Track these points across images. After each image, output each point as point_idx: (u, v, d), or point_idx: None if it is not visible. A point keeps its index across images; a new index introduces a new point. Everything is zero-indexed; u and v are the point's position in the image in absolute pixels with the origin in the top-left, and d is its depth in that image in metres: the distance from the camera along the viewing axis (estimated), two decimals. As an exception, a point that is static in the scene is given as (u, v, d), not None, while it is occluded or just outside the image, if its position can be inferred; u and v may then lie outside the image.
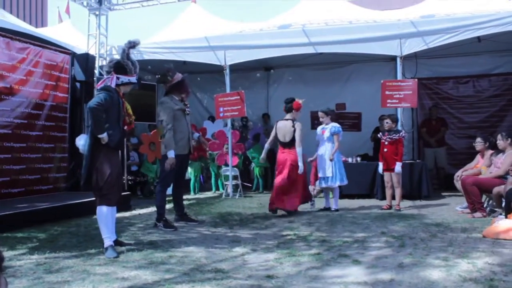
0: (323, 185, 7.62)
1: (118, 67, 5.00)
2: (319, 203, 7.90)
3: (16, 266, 4.25)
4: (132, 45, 5.17)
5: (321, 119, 7.69)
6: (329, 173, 7.47)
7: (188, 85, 6.56)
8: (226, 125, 10.12)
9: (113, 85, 4.93)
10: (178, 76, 6.36)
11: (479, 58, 10.46)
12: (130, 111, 5.20)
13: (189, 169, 10.28)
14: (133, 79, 5.06)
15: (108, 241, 4.75)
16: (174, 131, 6.18)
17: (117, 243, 4.97)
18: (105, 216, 4.82)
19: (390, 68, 10.36)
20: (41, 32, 9.78)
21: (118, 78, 4.96)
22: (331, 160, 7.43)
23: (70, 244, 5.23)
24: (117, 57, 5.60)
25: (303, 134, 7.17)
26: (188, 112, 6.41)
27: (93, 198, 5.06)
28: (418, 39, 8.54)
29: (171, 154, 6.10)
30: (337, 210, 7.43)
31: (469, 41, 8.71)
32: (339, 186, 7.70)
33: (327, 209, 7.55)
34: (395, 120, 7.59)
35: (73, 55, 9.40)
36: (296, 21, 9.65)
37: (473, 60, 10.50)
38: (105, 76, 5.09)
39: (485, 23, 8.15)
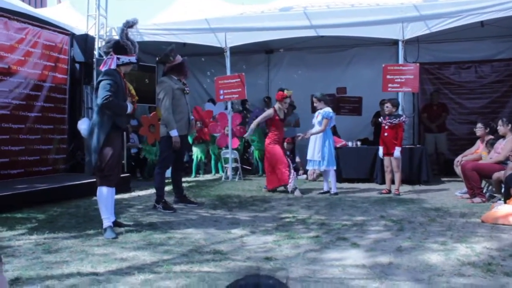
0: (310, 167, 7.74)
1: (118, 47, 4.96)
2: (317, 186, 7.90)
3: (15, 246, 4.26)
4: (131, 24, 5.11)
5: (315, 104, 7.70)
6: (317, 157, 7.45)
7: (187, 68, 6.55)
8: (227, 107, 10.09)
9: (113, 66, 4.88)
10: (179, 58, 6.33)
11: (482, 43, 10.38)
12: (133, 91, 5.17)
13: (194, 150, 10.31)
14: (133, 59, 5.03)
15: (107, 222, 4.76)
16: (173, 111, 6.14)
17: (116, 224, 4.99)
18: (105, 197, 4.82)
19: (392, 52, 10.28)
20: (40, 12, 9.68)
21: (118, 58, 4.92)
22: (304, 136, 7.62)
23: (69, 224, 5.24)
24: (116, 37, 5.55)
25: (265, 118, 7.76)
26: (187, 91, 6.37)
27: (92, 180, 5.06)
28: (420, 23, 8.44)
29: (174, 133, 6.08)
30: (336, 193, 7.41)
31: (472, 26, 8.61)
32: (336, 170, 7.72)
33: (326, 192, 7.53)
34: (395, 104, 7.53)
35: (72, 36, 9.31)
36: (298, 3, 9.57)
37: (475, 45, 10.42)
38: (105, 57, 5.04)
39: (489, 8, 8.06)
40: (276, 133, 7.71)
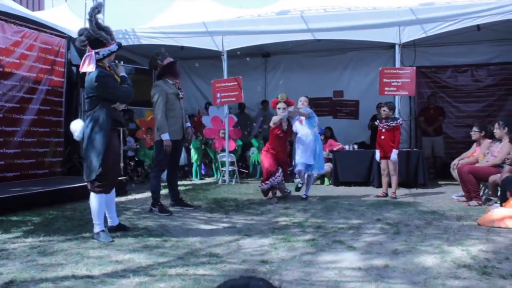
0: (308, 172, 7.33)
1: (92, 41, 4.66)
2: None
3: (10, 249, 4.24)
4: (97, 10, 4.78)
5: (301, 105, 7.30)
6: (311, 160, 7.21)
7: (177, 68, 6.47)
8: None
9: (93, 64, 4.58)
10: (168, 60, 6.34)
11: (478, 46, 10.41)
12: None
13: (192, 154, 10.32)
14: (114, 47, 4.76)
15: (98, 228, 4.65)
16: (167, 116, 6.14)
17: (120, 227, 4.96)
18: (97, 203, 4.68)
19: (389, 56, 10.32)
20: (37, 15, 9.67)
21: (97, 53, 4.64)
22: (290, 111, 7.03)
23: (64, 227, 5.23)
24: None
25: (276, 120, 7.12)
26: (181, 96, 6.35)
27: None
28: (417, 27, 8.47)
29: (165, 136, 6.07)
30: (307, 197, 7.29)
31: (468, 30, 8.65)
32: (333, 173, 7.70)
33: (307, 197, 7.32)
34: (392, 107, 7.55)
35: (69, 38, 9.30)
36: (295, 7, 9.58)
37: (472, 48, 10.45)
38: (84, 56, 4.72)
39: (485, 12, 8.08)
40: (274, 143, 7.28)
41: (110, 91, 4.65)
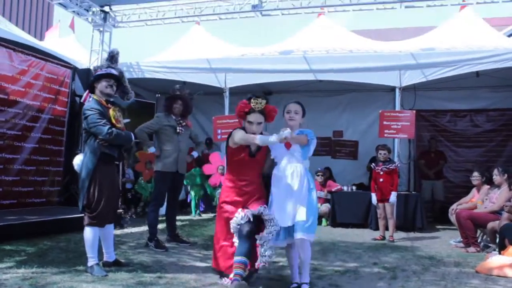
0: (288, 236, 4.35)
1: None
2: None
3: (2, 280, 4.17)
4: (111, 55, 5.02)
5: (289, 119, 4.42)
6: (302, 216, 4.25)
7: (170, 103, 6.50)
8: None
9: (86, 97, 4.92)
10: (171, 94, 6.58)
11: (477, 92, 10.55)
12: (113, 120, 4.69)
13: (191, 191, 10.33)
14: (97, 74, 4.82)
15: (92, 261, 4.60)
16: (161, 146, 6.35)
17: (116, 263, 4.89)
18: (92, 238, 4.65)
19: (389, 98, 10.41)
20: (43, 45, 9.85)
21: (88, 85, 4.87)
22: (284, 139, 4.00)
23: (58, 259, 5.17)
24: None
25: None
26: (179, 131, 6.40)
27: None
28: (417, 71, 8.61)
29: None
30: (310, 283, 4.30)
31: (467, 76, 8.79)
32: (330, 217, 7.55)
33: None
34: (390, 150, 7.61)
35: (74, 69, 9.44)
36: (298, 47, 9.75)
37: (471, 94, 10.59)
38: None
39: (484, 59, 8.23)
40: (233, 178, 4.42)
41: (90, 126, 4.60)
